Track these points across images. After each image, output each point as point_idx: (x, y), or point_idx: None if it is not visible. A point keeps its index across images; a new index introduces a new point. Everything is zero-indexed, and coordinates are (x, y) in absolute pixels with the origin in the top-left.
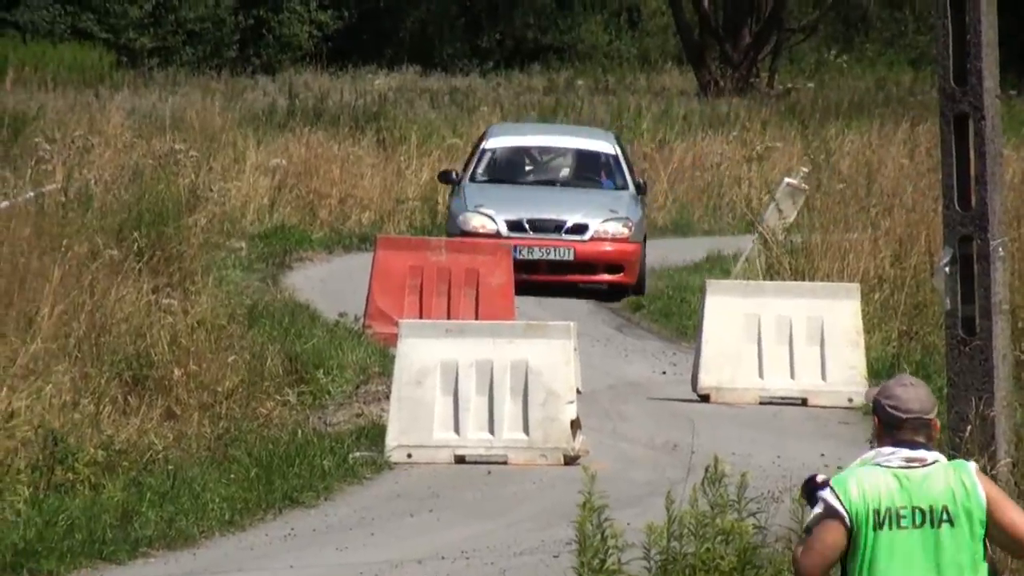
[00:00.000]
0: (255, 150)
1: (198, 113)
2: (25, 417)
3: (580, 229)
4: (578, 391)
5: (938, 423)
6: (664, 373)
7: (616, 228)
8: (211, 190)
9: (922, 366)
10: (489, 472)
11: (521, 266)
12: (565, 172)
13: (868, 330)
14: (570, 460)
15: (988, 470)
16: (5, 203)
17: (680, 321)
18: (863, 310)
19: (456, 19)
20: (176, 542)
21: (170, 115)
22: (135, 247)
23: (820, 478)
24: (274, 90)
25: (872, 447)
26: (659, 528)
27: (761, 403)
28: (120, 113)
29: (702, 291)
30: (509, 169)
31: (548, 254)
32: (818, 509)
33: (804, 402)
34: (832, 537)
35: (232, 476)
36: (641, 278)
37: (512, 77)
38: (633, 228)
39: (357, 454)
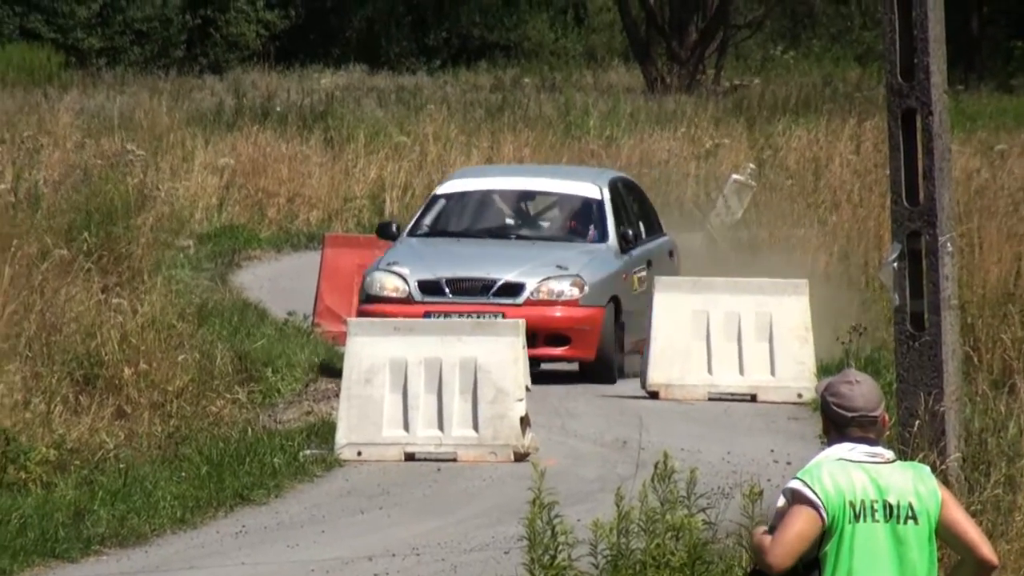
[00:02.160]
0: (203, 149)
1: (146, 113)
2: None
3: (513, 290)
4: (527, 388)
5: (887, 418)
6: None
7: (561, 287)
8: (159, 190)
9: (871, 361)
10: (439, 469)
11: None
12: (533, 222)
13: (816, 326)
14: (520, 457)
15: (938, 465)
16: None
17: None
18: (811, 306)
19: (403, 18)
20: (128, 540)
21: (118, 115)
22: (84, 247)
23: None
24: (222, 89)
25: (823, 443)
26: (608, 524)
27: (710, 399)
28: (69, 113)
29: (650, 288)
30: (463, 220)
31: None
32: (784, 500)
33: (753, 398)
34: (803, 526)
35: (183, 474)
36: (605, 353)
37: (459, 75)
38: (587, 288)
39: (307, 452)
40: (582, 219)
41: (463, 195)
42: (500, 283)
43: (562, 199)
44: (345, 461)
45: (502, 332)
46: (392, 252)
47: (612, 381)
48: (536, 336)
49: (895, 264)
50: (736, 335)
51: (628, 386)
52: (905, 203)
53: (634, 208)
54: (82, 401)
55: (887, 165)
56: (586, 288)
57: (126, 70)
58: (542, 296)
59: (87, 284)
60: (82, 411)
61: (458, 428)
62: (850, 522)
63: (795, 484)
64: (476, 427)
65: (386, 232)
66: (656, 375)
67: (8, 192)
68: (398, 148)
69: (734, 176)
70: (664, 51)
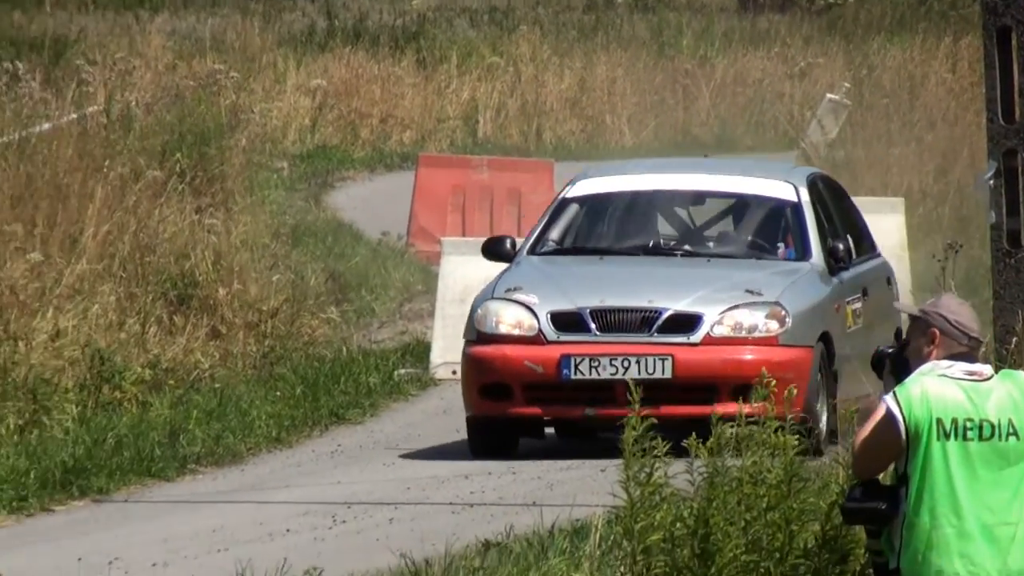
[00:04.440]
0: (295, 71)
1: (238, 34)
2: (72, 337)
3: (685, 324)
4: None
5: None
6: None
7: (754, 320)
8: (252, 111)
9: (968, 279)
10: None
11: (578, 392)
12: (703, 234)
13: (912, 244)
14: None
15: None
16: (48, 125)
17: None
18: (907, 224)
19: None
20: (223, 459)
21: (210, 36)
22: (178, 168)
23: (885, 348)
24: (313, 11)
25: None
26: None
27: None
28: (160, 35)
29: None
30: (606, 232)
31: (626, 369)
32: (879, 412)
33: None
34: (884, 441)
35: (278, 394)
36: (811, 414)
37: None
38: (790, 321)
39: (402, 371)
40: (773, 229)
41: (603, 199)
42: (667, 315)
43: (744, 202)
44: (440, 380)
45: None
46: (511, 274)
47: (818, 453)
48: (718, 389)
49: (991, 182)
50: None
51: None
52: (1001, 121)
53: (839, 217)
54: (176, 321)
55: (983, 83)
56: (788, 321)
57: None
58: (727, 332)
59: (180, 205)
60: (176, 331)
61: None
62: (939, 439)
63: (887, 399)
64: None
65: (497, 250)
66: None
67: (100, 113)
68: (491, 69)
69: (829, 96)
70: None
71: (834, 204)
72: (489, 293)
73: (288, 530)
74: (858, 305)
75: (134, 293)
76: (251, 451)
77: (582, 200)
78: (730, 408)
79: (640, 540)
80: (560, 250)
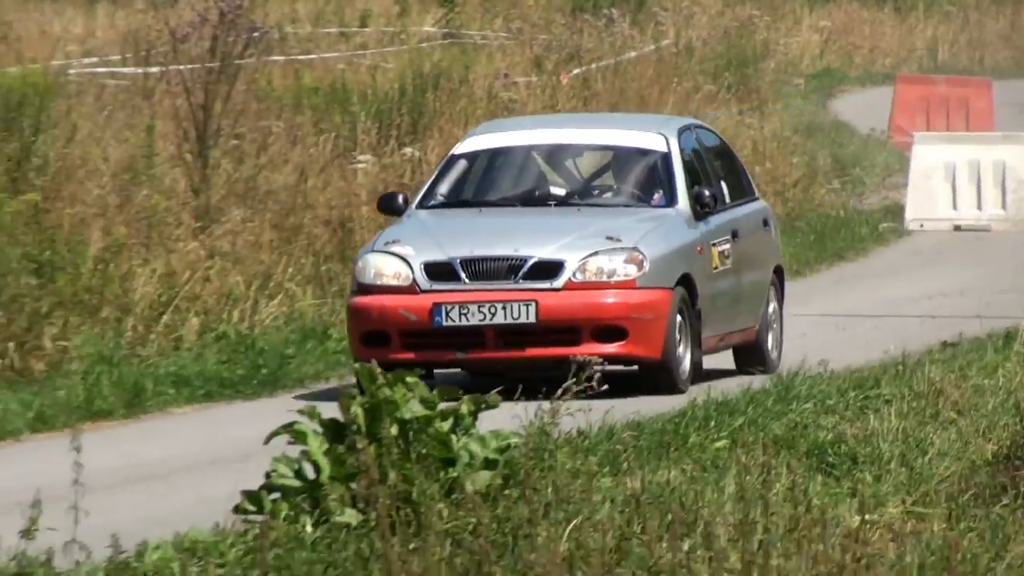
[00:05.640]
0: (808, 15)
1: None
2: None
3: (549, 271)
4: None
5: None
6: None
7: (612, 265)
8: (778, 44)
9: None
10: (978, 237)
11: (449, 338)
12: (579, 185)
13: None
14: None
15: None
16: (633, 54)
17: None
18: None
19: None
20: None
21: None
22: (725, 83)
23: None
24: None
25: None
26: None
27: None
28: None
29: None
30: (489, 185)
31: (493, 315)
32: None
33: None
34: None
35: (798, 240)
36: (669, 353)
37: None
38: (647, 265)
39: (884, 225)
40: (644, 179)
41: (489, 154)
42: (531, 263)
43: (617, 154)
44: (911, 231)
45: (1022, 142)
46: (394, 228)
47: (677, 390)
48: (580, 331)
49: None
50: None
51: None
52: None
53: (714, 164)
54: None
55: None
56: (646, 265)
57: None
58: (587, 277)
59: (727, 109)
60: None
61: (992, 208)
62: None
63: None
64: (1004, 207)
65: (390, 206)
66: None
67: (671, 45)
68: (947, 15)
69: None
70: None
71: (708, 153)
72: (370, 247)
73: (804, 334)
74: (726, 247)
75: None
76: None
77: (470, 156)
78: (596, 348)
79: None
80: (446, 204)
